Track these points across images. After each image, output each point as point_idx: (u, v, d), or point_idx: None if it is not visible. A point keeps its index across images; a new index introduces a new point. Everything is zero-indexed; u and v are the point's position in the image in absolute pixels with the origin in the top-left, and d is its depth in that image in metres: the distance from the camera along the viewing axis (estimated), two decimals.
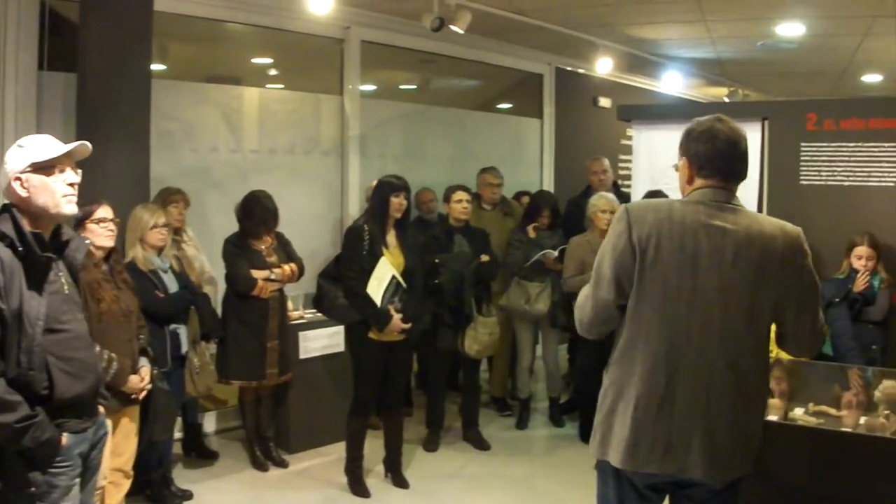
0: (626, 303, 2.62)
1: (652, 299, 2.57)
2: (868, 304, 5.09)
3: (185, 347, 4.83)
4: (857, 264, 5.20)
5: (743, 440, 2.62)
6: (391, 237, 5.00)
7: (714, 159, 2.63)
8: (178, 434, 5.49)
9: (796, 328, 2.65)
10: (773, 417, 3.62)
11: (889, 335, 5.13)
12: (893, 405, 3.70)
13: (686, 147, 2.71)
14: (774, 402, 3.92)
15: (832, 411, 3.57)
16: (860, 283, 5.09)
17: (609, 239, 2.65)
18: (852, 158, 5.52)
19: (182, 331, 4.81)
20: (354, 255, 4.89)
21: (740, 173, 2.67)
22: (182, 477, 5.18)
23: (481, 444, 6.05)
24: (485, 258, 5.91)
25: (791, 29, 7.44)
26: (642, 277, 2.57)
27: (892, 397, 3.78)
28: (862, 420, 3.53)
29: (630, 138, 9.44)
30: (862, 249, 5.18)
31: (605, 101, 9.66)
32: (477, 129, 8.48)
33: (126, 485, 4.11)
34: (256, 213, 5.30)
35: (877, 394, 3.83)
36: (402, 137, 7.75)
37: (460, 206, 5.90)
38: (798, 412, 3.63)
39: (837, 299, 5.12)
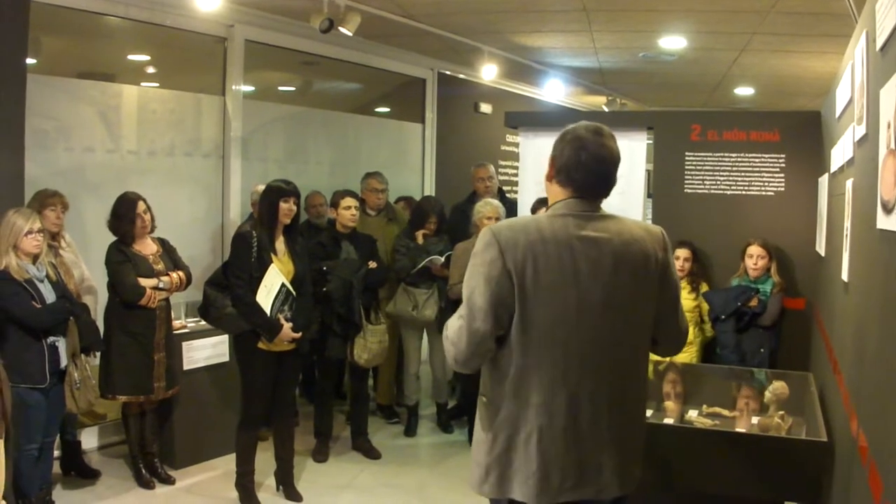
0: (502, 333, 2.51)
1: (539, 324, 2.47)
2: (757, 315, 5.24)
3: (64, 361, 4.58)
4: (749, 263, 5.37)
5: (638, 449, 2.66)
6: (280, 243, 4.88)
7: (572, 170, 2.56)
8: (56, 453, 5.18)
9: (667, 326, 2.67)
10: (668, 420, 3.72)
11: (778, 337, 5.32)
12: (785, 405, 3.84)
13: (555, 147, 2.64)
14: (669, 404, 4.02)
15: (725, 412, 3.66)
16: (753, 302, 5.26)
17: (479, 268, 2.51)
18: (734, 168, 5.73)
19: (61, 343, 4.56)
20: (242, 263, 4.74)
21: (599, 193, 2.60)
22: (63, 498, 4.96)
23: (371, 453, 5.99)
24: (372, 265, 5.85)
25: (673, 42, 7.64)
26: (524, 304, 2.46)
27: (782, 397, 3.91)
28: (755, 420, 3.64)
29: (511, 144, 9.62)
30: (754, 248, 5.37)
31: (486, 107, 9.73)
32: (359, 133, 8.41)
33: None
34: (125, 213, 5.04)
35: (768, 395, 3.95)
36: (284, 140, 7.61)
37: (349, 212, 5.81)
38: (692, 414, 3.71)
39: (724, 316, 5.27)
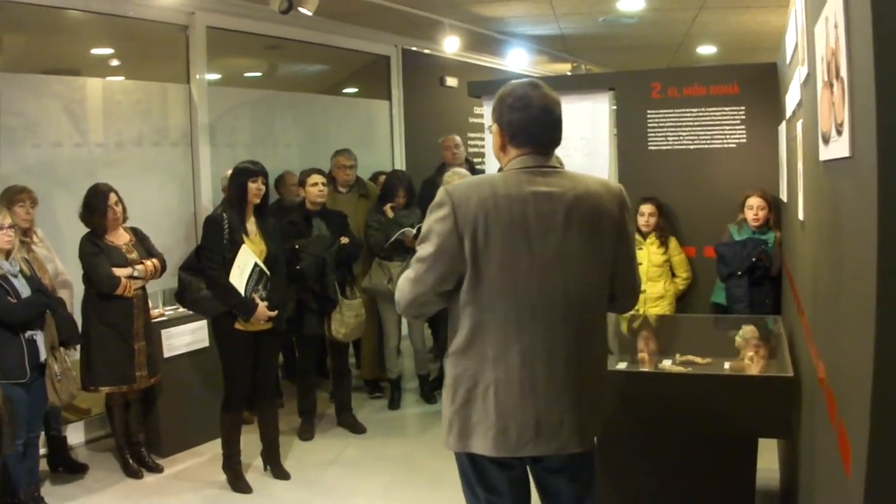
0: (448, 289, 2.58)
1: (491, 280, 2.52)
2: (767, 268, 5.32)
3: (43, 355, 4.60)
4: (749, 215, 5.44)
5: (598, 404, 2.69)
6: (251, 224, 4.92)
7: (528, 127, 2.60)
8: (42, 450, 5.23)
9: (623, 283, 2.71)
10: (643, 370, 3.80)
11: (779, 286, 5.40)
12: (755, 348, 3.93)
13: (499, 114, 2.67)
14: (643, 356, 4.11)
15: (698, 360, 3.73)
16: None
17: (433, 224, 2.56)
18: (696, 123, 5.81)
19: (39, 337, 4.58)
20: (214, 245, 4.78)
21: (555, 140, 2.66)
22: (53, 494, 4.95)
23: (357, 428, 6.06)
24: (344, 240, 5.89)
25: (631, 3, 7.68)
26: (476, 261, 2.51)
27: (752, 341, 4.00)
28: (727, 365, 3.71)
29: (478, 116, 9.66)
30: (754, 200, 5.44)
31: (451, 81, 9.75)
32: (326, 113, 8.41)
33: None
34: (97, 205, 5.05)
35: (738, 339, 4.03)
36: (251, 125, 7.61)
37: (315, 189, 5.86)
38: (667, 364, 3.78)
39: (740, 272, 5.34)
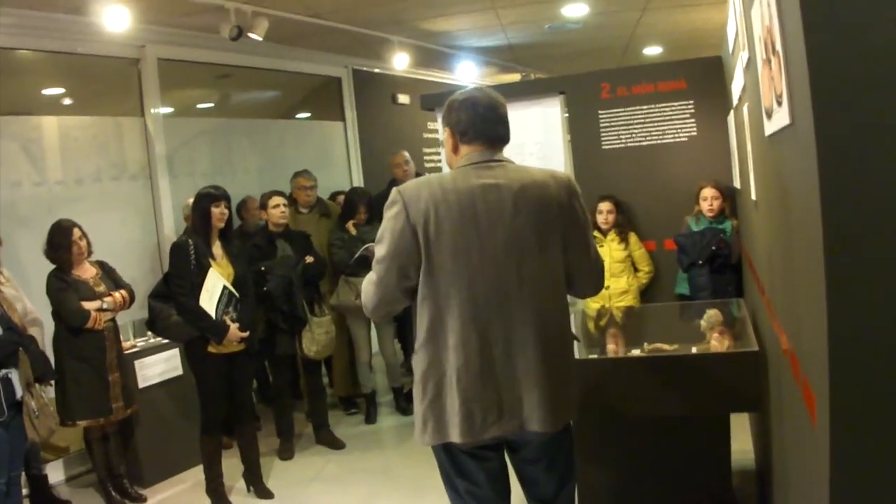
0: (410, 284, 2.67)
1: (443, 272, 2.62)
2: (726, 256, 5.43)
3: (19, 392, 4.58)
4: (704, 206, 5.56)
5: (563, 386, 2.73)
6: (217, 248, 4.96)
7: (476, 123, 2.73)
8: (23, 491, 5.16)
9: (579, 267, 2.78)
10: (612, 357, 3.89)
11: (739, 273, 5.50)
12: (720, 329, 4.03)
13: (448, 118, 2.81)
14: (611, 346, 4.19)
15: (666, 346, 3.80)
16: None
17: (386, 223, 2.67)
18: (647, 120, 5.93)
19: (14, 375, 4.54)
20: (182, 271, 4.81)
21: (503, 136, 2.79)
22: None
23: (335, 444, 6.09)
24: (309, 259, 5.96)
25: (575, 10, 7.81)
26: (429, 254, 2.61)
27: (717, 323, 4.10)
28: (694, 349, 3.80)
29: (432, 131, 9.75)
30: (707, 191, 5.56)
31: (403, 98, 9.84)
32: (282, 138, 8.46)
33: None
34: (61, 241, 5.06)
35: (703, 323, 4.13)
36: (209, 153, 7.64)
37: (277, 210, 5.92)
38: (634, 353, 3.85)
39: (701, 261, 5.45)
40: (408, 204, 2.63)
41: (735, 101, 4.28)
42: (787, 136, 1.96)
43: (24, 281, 5.49)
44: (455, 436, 2.65)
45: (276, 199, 5.95)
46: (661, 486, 3.74)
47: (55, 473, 5.79)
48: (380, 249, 2.68)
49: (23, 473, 5.02)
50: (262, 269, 5.65)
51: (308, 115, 9.34)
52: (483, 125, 2.74)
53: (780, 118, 2.02)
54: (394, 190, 2.69)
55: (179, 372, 5.83)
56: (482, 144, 2.74)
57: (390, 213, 2.66)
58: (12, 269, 5.41)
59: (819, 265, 1.61)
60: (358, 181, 9.06)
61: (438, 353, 2.66)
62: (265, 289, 5.61)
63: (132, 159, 6.84)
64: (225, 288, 4.85)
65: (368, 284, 2.74)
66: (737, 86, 3.88)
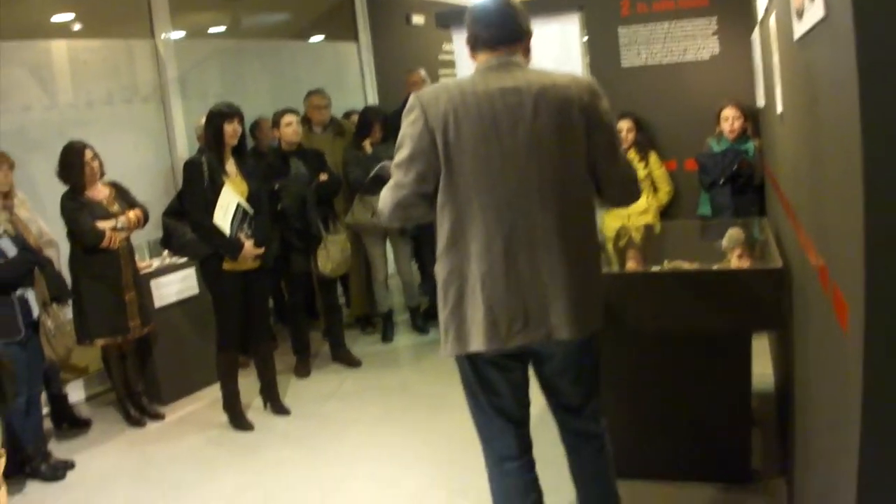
0: (428, 189, 2.62)
1: (464, 176, 2.57)
2: (749, 177, 5.36)
3: (36, 312, 4.62)
4: (725, 126, 5.47)
5: (590, 293, 2.68)
6: (230, 165, 4.92)
7: (489, 27, 2.68)
8: (45, 409, 5.28)
9: (607, 173, 2.70)
10: (631, 271, 3.83)
11: (763, 198, 5.42)
12: (742, 247, 3.97)
13: (467, 29, 2.75)
14: (631, 264, 4.14)
15: (686, 265, 3.74)
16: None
17: (405, 129, 2.63)
18: (668, 37, 5.78)
19: (30, 295, 4.60)
20: (196, 188, 4.78)
21: (513, 34, 2.70)
22: (59, 449, 5.02)
23: (352, 362, 6.12)
24: (323, 177, 5.90)
25: None
26: (449, 158, 2.57)
27: (737, 242, 4.04)
28: (715, 267, 3.72)
29: (448, 52, 9.57)
30: (728, 111, 5.47)
31: (418, 19, 9.67)
32: (295, 60, 8.36)
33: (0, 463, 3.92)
34: (73, 162, 5.03)
35: (724, 242, 4.07)
36: (221, 76, 7.56)
37: (290, 128, 5.86)
38: (654, 270, 3.79)
39: (722, 180, 5.37)
40: (426, 108, 2.58)
41: (761, 15, 4.16)
42: (820, 33, 1.88)
43: (39, 204, 5.50)
44: (479, 344, 2.61)
45: (289, 117, 5.87)
46: (678, 407, 3.70)
47: (76, 393, 5.88)
48: (398, 154, 2.64)
49: (43, 393, 5.12)
50: (276, 187, 5.60)
51: (321, 36, 9.19)
52: (488, 30, 2.68)
53: (812, 14, 1.93)
54: (412, 96, 2.66)
55: (196, 291, 5.85)
56: (493, 48, 2.68)
57: (409, 119, 2.62)
58: (27, 193, 5.41)
59: (856, 169, 1.55)
60: (373, 102, 8.95)
61: (460, 260, 2.62)
62: (279, 207, 5.57)
63: (143, 82, 6.77)
64: (239, 205, 4.81)
65: (386, 190, 2.70)
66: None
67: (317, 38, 9.04)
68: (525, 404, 2.87)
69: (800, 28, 2.21)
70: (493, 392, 2.77)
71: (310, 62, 8.52)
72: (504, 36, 2.69)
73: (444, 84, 2.67)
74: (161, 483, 4.51)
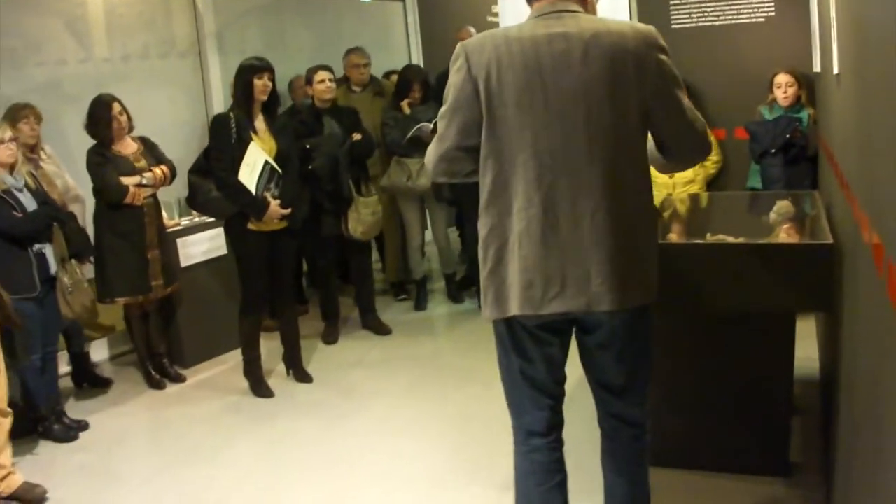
0: (472, 143, 2.44)
1: (506, 127, 2.38)
2: (802, 146, 5.10)
3: (53, 268, 4.52)
4: (778, 94, 5.22)
5: (640, 261, 2.46)
6: (259, 122, 4.76)
7: None
8: (66, 368, 5.27)
9: (671, 130, 2.47)
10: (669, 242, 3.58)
11: (816, 168, 5.16)
12: (791, 221, 3.70)
13: None
14: (672, 235, 3.89)
15: (730, 238, 3.46)
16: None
17: (451, 79, 2.48)
18: None
19: (48, 250, 4.49)
20: (222, 145, 4.64)
21: None
22: (76, 408, 4.97)
23: (382, 330, 5.96)
24: (357, 137, 5.70)
25: None
26: (491, 107, 2.39)
27: (786, 215, 3.77)
28: (759, 241, 3.46)
29: (496, 14, 9.30)
30: (782, 77, 5.22)
31: None
32: (339, 17, 8.18)
33: (6, 423, 3.84)
34: (101, 115, 4.92)
35: (772, 216, 3.82)
36: (260, 31, 7.40)
37: (323, 85, 5.66)
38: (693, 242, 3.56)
39: (774, 150, 5.11)
40: (470, 56, 2.42)
41: None
42: None
43: (70, 159, 5.40)
44: (515, 308, 2.42)
45: (322, 74, 5.68)
46: (711, 391, 3.46)
47: (99, 352, 5.83)
48: (443, 107, 2.49)
49: (66, 351, 5.13)
50: (307, 146, 5.41)
51: None
52: None
53: None
54: (459, 44, 2.47)
55: (224, 251, 5.69)
56: None
57: (454, 68, 2.46)
58: (59, 147, 5.34)
59: None
60: (418, 63, 8.73)
61: (500, 217, 2.43)
62: (309, 167, 5.38)
63: (181, 36, 6.65)
64: (266, 163, 4.65)
65: (431, 146, 2.56)
66: None
67: None
68: (560, 381, 2.66)
69: None
70: (526, 359, 2.58)
71: (354, 20, 8.33)
72: None
73: (492, 32, 2.48)
74: (174, 448, 4.42)
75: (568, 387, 2.68)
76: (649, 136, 2.51)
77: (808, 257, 3.10)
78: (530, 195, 2.37)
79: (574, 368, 2.66)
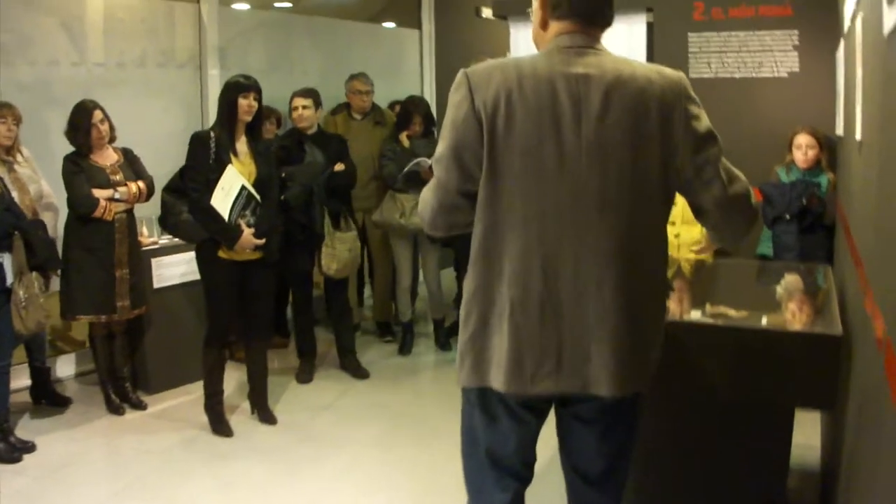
0: (475, 189, 2.14)
1: (508, 176, 2.08)
2: (820, 215, 4.83)
3: (9, 279, 4.27)
4: (797, 155, 4.96)
5: (645, 343, 2.18)
6: (241, 144, 4.53)
7: None
8: (27, 381, 5.09)
9: (705, 194, 2.18)
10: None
11: (833, 239, 4.90)
12: (800, 301, 3.40)
13: None
14: (669, 304, 3.57)
15: (731, 312, 3.18)
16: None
17: (448, 112, 2.17)
18: (743, 48, 5.42)
19: (6, 260, 4.27)
20: (199, 164, 4.40)
21: (606, 16, 2.18)
22: (27, 427, 4.76)
23: (359, 373, 5.68)
24: (339, 167, 5.46)
25: None
26: (494, 150, 2.08)
27: (795, 292, 3.49)
28: (764, 320, 3.17)
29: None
30: (802, 137, 4.96)
31: (488, 12, 9.18)
32: (350, 41, 7.95)
33: None
34: (81, 122, 4.72)
35: (779, 290, 3.52)
36: (266, 49, 7.19)
37: (296, 113, 5.49)
38: (694, 315, 3.25)
39: (789, 216, 4.83)
40: (474, 88, 2.10)
41: (847, 24, 3.59)
42: None
43: (52, 165, 5.15)
44: (497, 382, 2.15)
45: (297, 101, 5.51)
46: (696, 481, 3.14)
47: (65, 367, 5.65)
48: (440, 145, 2.17)
49: (27, 364, 4.99)
50: (283, 175, 5.16)
51: (380, 18, 8.77)
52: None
53: None
54: (461, 71, 2.16)
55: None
56: (578, 23, 2.14)
57: (454, 100, 2.15)
58: (39, 151, 5.14)
59: None
60: (429, 95, 8.56)
61: (489, 277, 2.14)
62: (283, 197, 5.11)
63: (182, 47, 6.44)
64: (244, 188, 4.40)
65: (426, 191, 2.26)
66: (849, 6, 3.20)
67: (376, 21, 8.62)
68: (530, 462, 2.39)
69: (891, 17, 1.66)
70: (497, 440, 2.30)
71: (366, 44, 8.13)
72: (596, 12, 2.17)
73: (502, 62, 2.17)
74: (118, 480, 4.18)
75: (536, 469, 2.40)
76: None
77: (813, 349, 2.77)
78: (529, 258, 2.10)
79: (544, 449, 2.38)
